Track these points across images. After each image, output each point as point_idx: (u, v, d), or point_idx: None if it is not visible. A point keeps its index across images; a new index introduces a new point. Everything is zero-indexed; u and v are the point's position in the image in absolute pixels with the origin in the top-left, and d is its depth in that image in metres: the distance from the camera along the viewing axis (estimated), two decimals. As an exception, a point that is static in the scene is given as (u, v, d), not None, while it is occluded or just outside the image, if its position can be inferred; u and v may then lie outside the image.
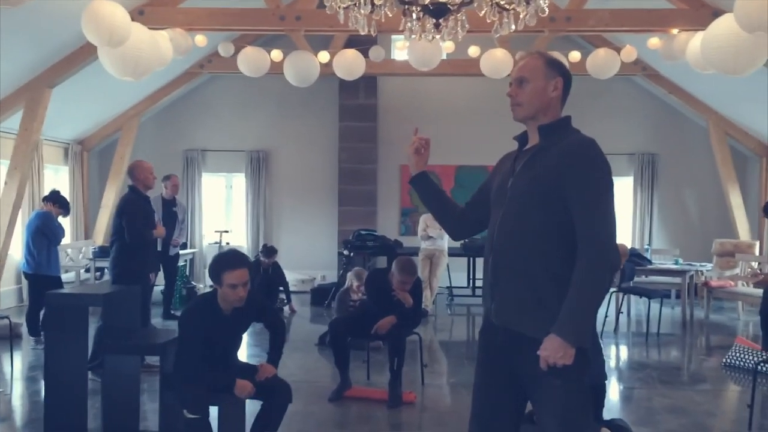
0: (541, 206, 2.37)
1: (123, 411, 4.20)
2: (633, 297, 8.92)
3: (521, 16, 4.30)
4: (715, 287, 8.84)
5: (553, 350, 2.26)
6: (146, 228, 5.84)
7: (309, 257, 11.18)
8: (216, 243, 10.90)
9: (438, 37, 4.57)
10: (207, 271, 3.69)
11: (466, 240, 9.54)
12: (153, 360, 5.78)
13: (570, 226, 2.33)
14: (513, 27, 4.37)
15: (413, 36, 4.66)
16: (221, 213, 11.73)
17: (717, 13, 6.77)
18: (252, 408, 4.06)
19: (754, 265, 9.24)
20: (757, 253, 9.65)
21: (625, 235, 10.98)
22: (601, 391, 4.08)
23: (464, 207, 2.83)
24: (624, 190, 10.96)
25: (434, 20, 4.28)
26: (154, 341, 4.17)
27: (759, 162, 10.47)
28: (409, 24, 4.49)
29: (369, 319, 5.27)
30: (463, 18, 4.28)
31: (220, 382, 3.59)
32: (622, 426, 3.75)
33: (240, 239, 11.31)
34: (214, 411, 3.67)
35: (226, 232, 10.99)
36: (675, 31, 7.22)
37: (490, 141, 10.88)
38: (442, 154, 8.95)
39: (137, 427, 4.32)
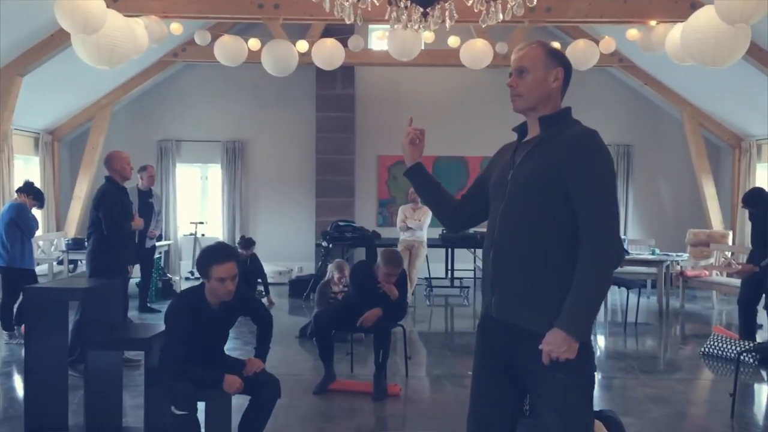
0: (543, 198, 2.33)
1: (105, 407, 4.11)
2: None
3: (509, 5, 4.27)
4: (691, 277, 8.94)
5: (557, 345, 2.23)
6: (124, 220, 5.72)
7: (286, 249, 11.09)
8: (191, 235, 10.79)
9: (423, 26, 4.53)
10: (195, 264, 3.61)
11: (444, 230, 9.53)
12: (132, 354, 5.68)
13: (572, 219, 2.30)
14: (501, 16, 4.34)
15: (398, 25, 4.61)
16: (196, 204, 11.57)
17: (695, 5, 6.84)
18: (237, 403, 4.00)
19: (728, 254, 9.37)
20: (730, 242, 9.78)
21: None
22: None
23: (461, 199, 2.78)
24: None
25: (422, 10, 4.23)
26: (138, 336, 4.07)
27: (732, 153, 10.61)
28: (394, 13, 4.44)
29: (353, 311, 5.23)
30: (452, 7, 4.23)
31: (209, 377, 3.53)
32: (612, 417, 3.76)
33: (216, 231, 11.18)
34: (201, 406, 3.61)
35: (202, 223, 10.88)
36: (653, 22, 7.26)
37: (468, 132, 10.95)
38: (420, 144, 8.90)
39: (120, 423, 4.23)
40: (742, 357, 5.06)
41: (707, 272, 9.01)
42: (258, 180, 11.32)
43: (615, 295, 9.58)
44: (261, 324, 3.90)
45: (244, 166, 11.22)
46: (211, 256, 3.51)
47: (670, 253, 9.02)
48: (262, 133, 11.27)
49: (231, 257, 3.54)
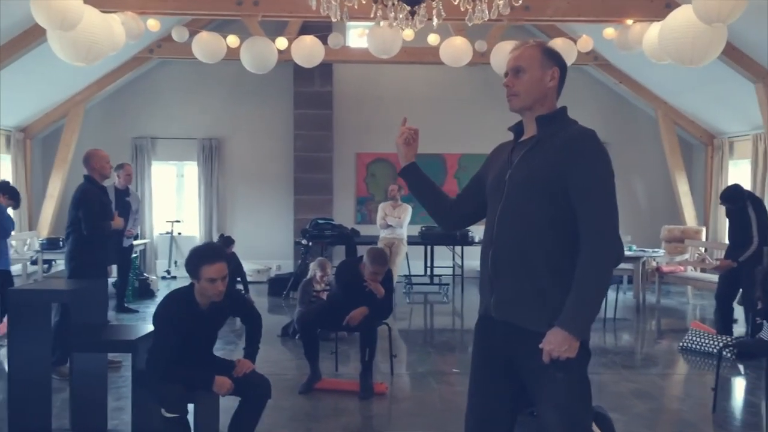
0: (541, 197, 2.34)
1: (91, 410, 4.05)
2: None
3: (495, 3, 4.29)
4: (667, 272, 9.07)
5: (558, 344, 2.24)
6: (104, 219, 5.63)
7: (264, 247, 11.01)
8: (167, 233, 10.68)
9: (410, 25, 4.53)
10: (185, 263, 3.55)
11: (424, 228, 9.55)
12: (114, 355, 5.59)
13: (571, 218, 2.31)
14: (487, 15, 4.37)
15: (384, 23, 4.61)
16: (172, 202, 11.43)
17: (670, 5, 6.93)
18: (224, 404, 3.97)
19: (702, 250, 9.52)
20: (703, 238, 9.94)
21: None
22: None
23: (456, 198, 2.79)
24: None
25: (409, 8, 4.23)
26: (125, 337, 4.01)
27: (705, 150, 10.78)
28: (380, 11, 4.43)
29: (338, 310, 5.21)
30: (439, 6, 4.24)
31: (199, 379, 3.49)
32: (602, 414, 3.80)
33: (192, 229, 11.07)
34: (191, 408, 3.57)
35: (178, 222, 10.78)
36: (630, 21, 7.34)
37: (447, 129, 10.95)
38: (400, 142, 8.91)
39: (105, 426, 4.17)
40: (724, 353, 5.14)
41: (683, 268, 9.14)
42: (235, 178, 11.23)
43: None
44: (250, 324, 3.87)
45: (221, 164, 11.13)
46: (200, 256, 3.47)
47: (646, 249, 9.13)
48: (239, 130, 11.17)
49: (221, 258, 3.50)
